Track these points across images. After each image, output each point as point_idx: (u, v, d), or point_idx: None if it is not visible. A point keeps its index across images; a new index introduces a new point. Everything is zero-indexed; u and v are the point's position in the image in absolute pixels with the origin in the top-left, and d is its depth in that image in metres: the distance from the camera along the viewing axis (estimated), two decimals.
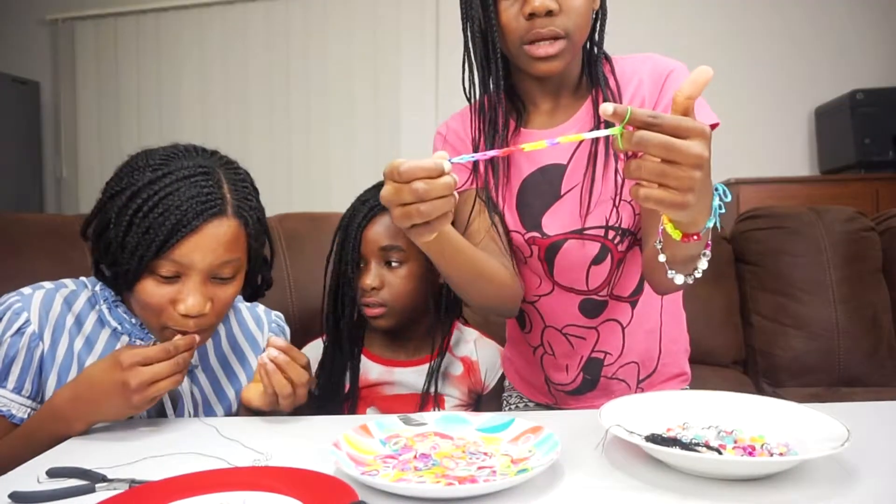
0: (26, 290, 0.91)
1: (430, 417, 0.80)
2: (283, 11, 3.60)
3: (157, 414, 0.94)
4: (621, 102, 0.90)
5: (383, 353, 1.18)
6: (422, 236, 0.68)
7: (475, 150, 0.96)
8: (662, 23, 3.27)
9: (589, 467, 0.68)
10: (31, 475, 0.68)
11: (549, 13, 0.84)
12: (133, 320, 0.94)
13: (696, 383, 1.19)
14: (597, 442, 0.72)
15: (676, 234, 0.67)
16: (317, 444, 0.74)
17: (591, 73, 0.95)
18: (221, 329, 1.03)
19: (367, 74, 3.53)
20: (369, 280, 1.09)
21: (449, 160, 0.63)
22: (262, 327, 1.07)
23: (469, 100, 0.97)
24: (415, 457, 0.70)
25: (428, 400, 1.14)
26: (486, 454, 0.71)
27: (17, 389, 0.88)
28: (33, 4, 3.88)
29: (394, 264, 1.10)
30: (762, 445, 0.70)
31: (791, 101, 3.22)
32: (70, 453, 0.77)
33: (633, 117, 0.56)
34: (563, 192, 0.94)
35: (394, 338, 1.17)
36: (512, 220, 0.99)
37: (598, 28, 0.94)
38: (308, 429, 0.86)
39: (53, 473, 0.68)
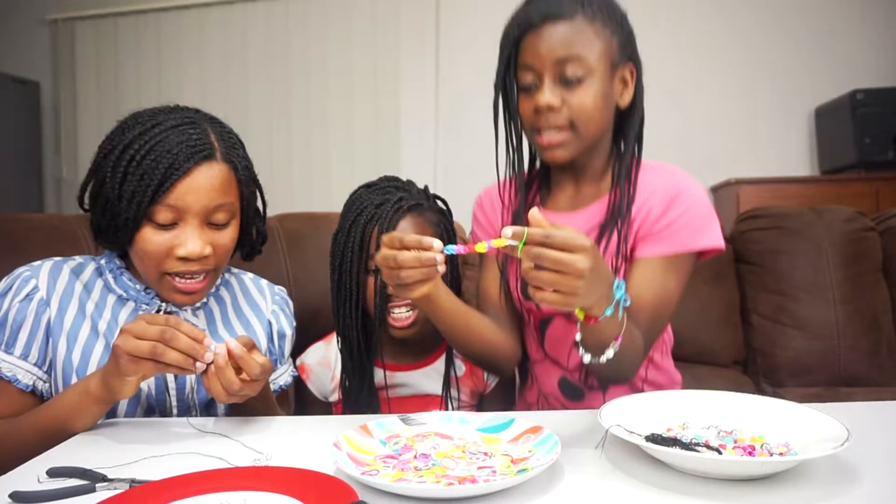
0: (37, 262, 0.95)
1: (429, 417, 0.80)
2: (283, 11, 3.60)
3: (163, 384, 0.95)
4: (630, 202, 0.96)
5: (386, 359, 1.15)
6: (403, 293, 0.79)
7: (502, 220, 1.05)
8: (662, 23, 3.27)
9: (589, 467, 0.68)
10: (31, 475, 0.68)
11: (551, 108, 0.90)
12: (137, 286, 0.96)
13: (697, 383, 1.19)
14: (597, 442, 0.72)
15: (580, 315, 0.78)
16: (317, 444, 0.74)
17: (616, 169, 0.98)
18: (227, 297, 1.05)
19: (367, 74, 3.52)
20: None
21: (443, 249, 0.75)
22: (265, 298, 1.09)
23: (497, 173, 1.02)
24: (415, 457, 0.70)
25: (434, 401, 1.14)
26: (486, 454, 0.71)
27: (24, 356, 0.90)
28: (33, 4, 3.88)
29: None
30: (762, 445, 0.70)
31: (791, 101, 3.22)
32: (70, 453, 0.77)
33: (530, 237, 0.68)
34: None
35: (399, 344, 1.14)
36: (516, 287, 1.03)
37: (628, 126, 0.97)
38: (308, 429, 0.86)
39: (54, 473, 0.68)
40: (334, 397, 1.19)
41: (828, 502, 0.59)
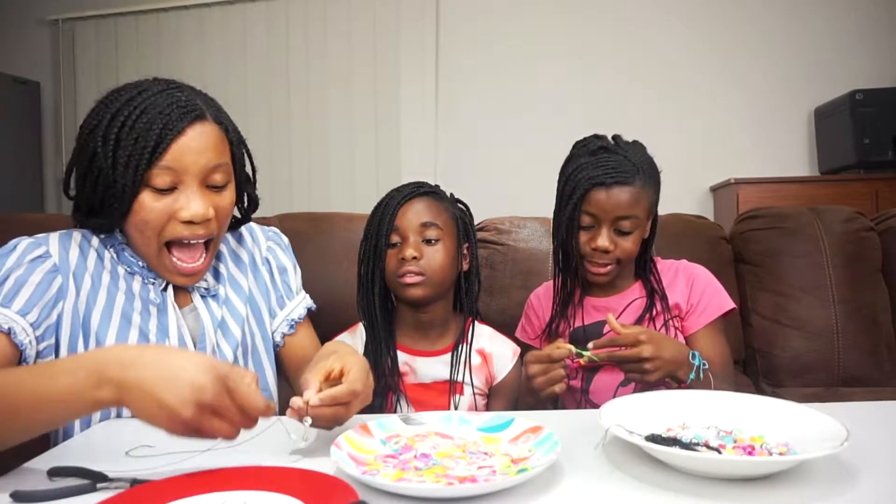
0: (40, 234, 0.93)
1: (430, 417, 0.80)
2: (283, 11, 3.60)
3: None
4: (662, 289, 1.21)
5: (406, 343, 1.22)
6: (543, 390, 1.01)
7: (553, 309, 1.27)
8: (662, 23, 3.27)
9: (589, 467, 0.68)
10: (32, 474, 0.68)
11: (606, 251, 1.14)
12: (140, 263, 0.95)
13: None
14: (597, 442, 0.73)
15: (676, 383, 1.05)
16: (317, 444, 0.74)
17: (640, 270, 1.25)
18: (225, 250, 1.06)
19: (366, 75, 3.52)
20: (409, 250, 1.15)
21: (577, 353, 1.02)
22: (256, 237, 1.11)
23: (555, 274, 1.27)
24: (415, 456, 0.70)
25: (452, 387, 1.18)
26: (486, 454, 0.71)
27: (24, 313, 0.85)
28: (33, 4, 3.88)
29: (431, 241, 1.16)
30: (762, 445, 0.70)
31: (791, 101, 3.22)
32: (71, 453, 0.77)
33: (597, 344, 1.03)
34: (605, 332, 1.16)
35: (417, 327, 1.22)
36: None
37: (649, 242, 1.23)
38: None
39: (55, 473, 0.68)
40: None
41: (827, 502, 0.59)
